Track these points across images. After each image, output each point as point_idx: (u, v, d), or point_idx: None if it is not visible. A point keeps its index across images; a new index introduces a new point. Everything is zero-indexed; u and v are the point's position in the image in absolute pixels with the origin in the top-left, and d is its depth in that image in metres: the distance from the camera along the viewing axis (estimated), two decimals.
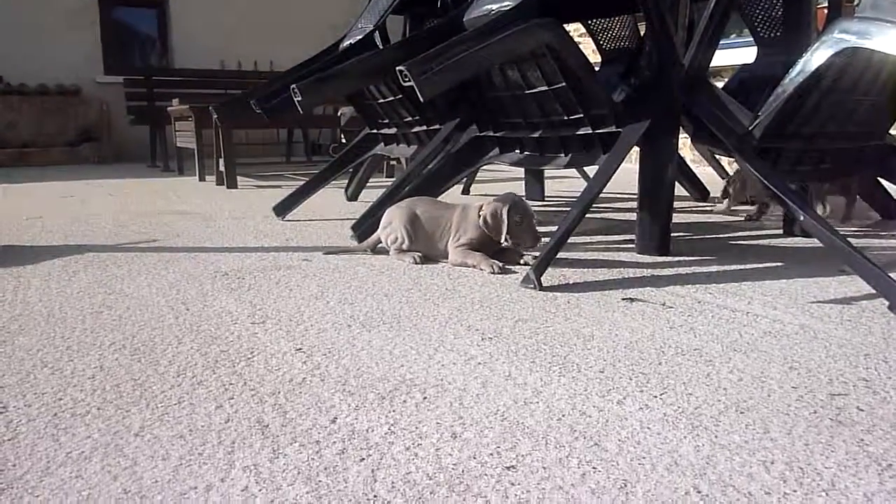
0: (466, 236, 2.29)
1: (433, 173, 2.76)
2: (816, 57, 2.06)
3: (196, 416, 1.14)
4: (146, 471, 0.97)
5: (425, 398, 1.21)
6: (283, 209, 3.47)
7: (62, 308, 1.82)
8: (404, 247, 2.37)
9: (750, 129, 2.20)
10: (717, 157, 4.29)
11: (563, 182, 5.19)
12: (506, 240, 2.24)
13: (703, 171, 4.62)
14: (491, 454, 1.01)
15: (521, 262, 2.27)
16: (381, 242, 2.46)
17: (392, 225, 2.39)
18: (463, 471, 0.96)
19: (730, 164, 4.91)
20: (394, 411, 1.16)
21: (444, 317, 1.71)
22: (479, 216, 2.26)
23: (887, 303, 1.75)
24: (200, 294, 1.96)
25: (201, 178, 5.79)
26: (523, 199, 2.30)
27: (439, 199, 2.64)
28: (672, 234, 2.49)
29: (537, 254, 2.11)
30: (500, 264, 2.19)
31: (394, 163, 5.78)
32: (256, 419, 1.13)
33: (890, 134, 2.54)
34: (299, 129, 8.08)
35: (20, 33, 8.36)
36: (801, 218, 1.99)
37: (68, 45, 8.60)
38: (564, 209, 3.67)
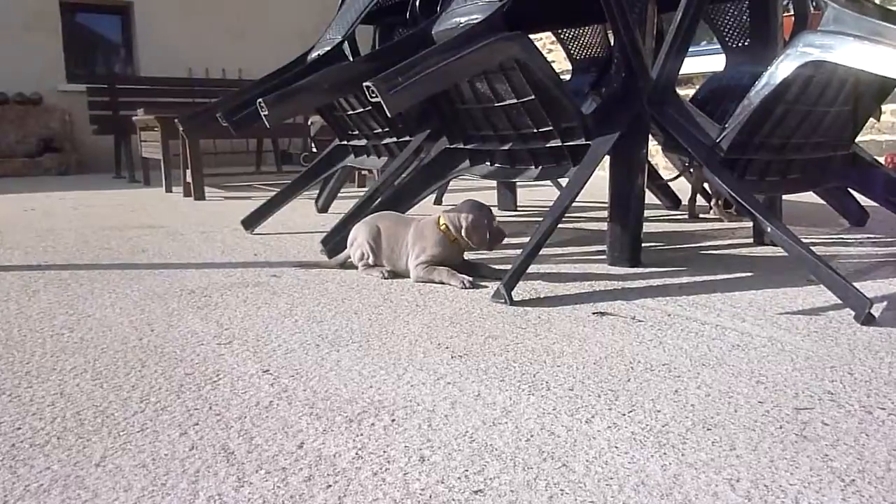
0: (427, 253, 2.29)
1: (403, 186, 2.77)
2: (781, 69, 2.11)
3: (160, 444, 1.14)
4: (107, 503, 0.96)
5: (394, 420, 1.22)
6: (251, 222, 3.46)
7: (21, 330, 1.80)
8: (370, 262, 2.38)
9: (717, 140, 2.24)
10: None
11: (536, 191, 5.23)
12: (482, 244, 2.27)
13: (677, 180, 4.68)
14: (459, 478, 1.02)
15: (494, 276, 2.28)
16: (350, 258, 2.46)
17: (357, 241, 2.41)
18: (431, 496, 0.97)
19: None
20: (361, 435, 1.16)
21: (414, 334, 1.72)
22: (454, 228, 2.26)
23: (853, 313, 1.80)
24: (165, 313, 1.95)
25: (168, 190, 5.74)
26: (481, 202, 2.33)
27: (409, 211, 2.65)
28: (643, 245, 2.53)
29: (508, 266, 2.13)
30: (470, 279, 2.20)
31: (365, 173, 5.78)
32: (221, 446, 1.13)
33: (855, 143, 2.60)
34: (269, 138, 8.05)
35: None
36: (768, 229, 2.03)
37: (29, 53, 8.49)
38: (537, 219, 3.70)
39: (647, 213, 2.55)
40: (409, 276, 2.33)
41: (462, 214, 2.26)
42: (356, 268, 2.44)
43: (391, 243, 2.36)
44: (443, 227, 2.28)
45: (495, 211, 3.50)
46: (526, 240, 2.21)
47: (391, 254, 2.36)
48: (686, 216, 3.78)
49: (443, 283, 2.23)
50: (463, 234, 2.25)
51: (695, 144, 2.29)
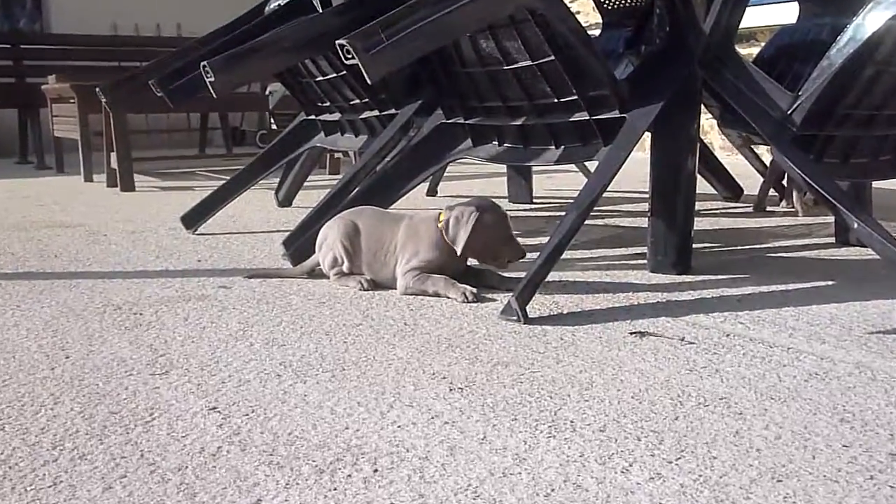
0: (419, 257, 2.29)
1: (388, 172, 2.77)
2: (870, 21, 2.11)
3: (77, 502, 1.13)
4: None
5: (376, 471, 1.22)
6: (194, 219, 3.46)
7: None
8: (345, 269, 2.38)
9: (789, 112, 2.25)
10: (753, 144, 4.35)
11: (556, 178, 5.24)
12: (478, 256, 2.27)
13: (735, 162, 4.70)
14: None
15: (504, 287, 2.28)
16: (319, 264, 2.46)
17: (328, 242, 2.40)
18: None
19: (768, 153, 4.98)
20: (335, 489, 1.16)
21: (402, 361, 1.72)
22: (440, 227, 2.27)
23: None
24: (85, 335, 1.95)
25: (87, 179, 5.74)
26: (497, 204, 2.32)
27: (392, 207, 2.65)
28: (694, 246, 2.53)
29: (521, 274, 2.13)
30: (473, 290, 2.20)
31: (339, 156, 5.79)
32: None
33: None
34: (216, 112, 8.04)
35: None
36: (855, 226, 2.04)
37: None
38: (558, 213, 3.71)
39: (698, 205, 2.56)
40: (395, 287, 2.33)
41: (467, 209, 2.23)
42: (327, 277, 2.44)
43: (373, 245, 2.36)
44: (442, 226, 2.28)
45: (505, 204, 3.52)
46: (544, 240, 2.21)
47: (373, 259, 2.36)
48: (750, 209, 3.78)
49: (439, 296, 2.24)
50: (442, 225, 2.25)
51: (760, 117, 2.30)
